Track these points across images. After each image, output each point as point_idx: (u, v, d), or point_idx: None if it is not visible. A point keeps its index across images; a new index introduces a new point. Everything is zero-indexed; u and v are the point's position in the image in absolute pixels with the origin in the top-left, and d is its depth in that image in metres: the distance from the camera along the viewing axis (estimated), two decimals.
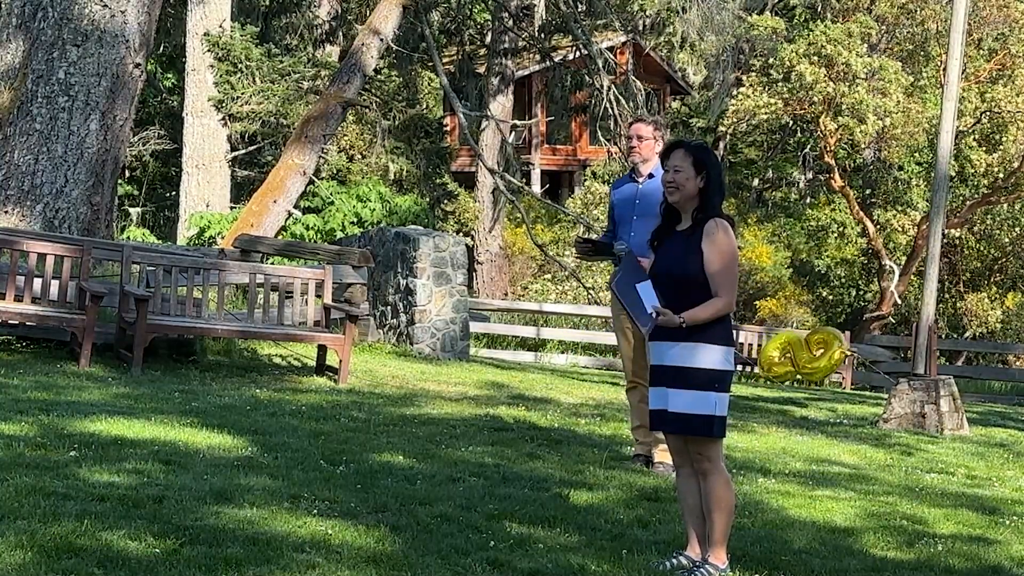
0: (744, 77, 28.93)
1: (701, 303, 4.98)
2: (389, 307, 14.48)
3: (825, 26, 26.77)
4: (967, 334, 28.15)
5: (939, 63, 25.99)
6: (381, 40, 20.34)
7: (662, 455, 7.46)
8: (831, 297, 31.91)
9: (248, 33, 24.14)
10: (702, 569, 4.99)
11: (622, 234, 7.53)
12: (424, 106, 29.37)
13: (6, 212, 12.89)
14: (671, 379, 5.04)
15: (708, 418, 4.99)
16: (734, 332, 5.07)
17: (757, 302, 28.98)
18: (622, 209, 7.60)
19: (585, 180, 31.07)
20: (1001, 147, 26.32)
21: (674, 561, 5.13)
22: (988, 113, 26.25)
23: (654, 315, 5.02)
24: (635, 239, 7.43)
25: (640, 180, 7.57)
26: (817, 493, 7.04)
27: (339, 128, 22.25)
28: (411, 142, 25.60)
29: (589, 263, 22.02)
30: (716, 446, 5.07)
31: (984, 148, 27.00)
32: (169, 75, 30.65)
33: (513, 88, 29.78)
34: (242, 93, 23.24)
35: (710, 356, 5.00)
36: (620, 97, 22.79)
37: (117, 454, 6.46)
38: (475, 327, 16.99)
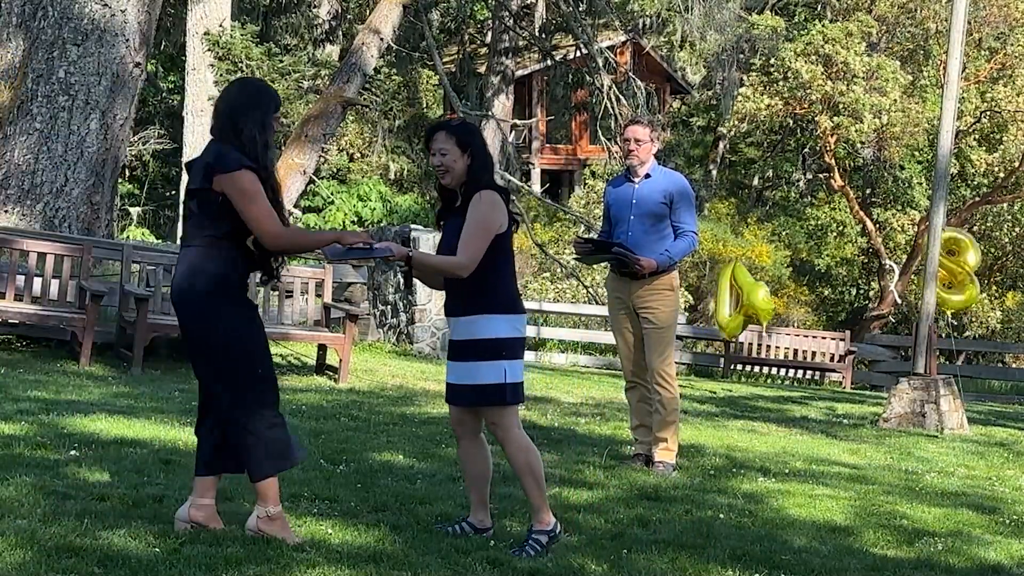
0: (745, 77, 28.94)
1: (477, 283, 5.04)
2: (389, 306, 14.48)
3: (823, 25, 26.78)
4: (967, 334, 28.14)
5: (939, 62, 26.00)
6: (381, 39, 20.35)
7: (662, 454, 7.47)
8: (831, 296, 31.92)
9: (248, 32, 24.14)
10: (529, 543, 5.06)
11: (619, 234, 7.54)
12: (424, 105, 29.39)
13: (6, 211, 12.89)
14: (460, 352, 5.12)
15: (500, 386, 5.07)
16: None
17: None
18: (618, 209, 7.61)
19: (585, 179, 31.08)
20: (1001, 147, 26.32)
21: (457, 528, 5.26)
22: (988, 113, 26.25)
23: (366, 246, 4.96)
24: (632, 239, 7.46)
25: (636, 181, 7.57)
26: (817, 492, 7.04)
27: (339, 127, 22.26)
28: (411, 141, 25.62)
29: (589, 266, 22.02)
30: (509, 413, 5.14)
31: (984, 148, 27.01)
32: (169, 74, 30.65)
33: (513, 87, 29.79)
34: None
35: (493, 325, 5.07)
36: (620, 96, 22.79)
37: (117, 453, 6.46)
38: None
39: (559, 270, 24.15)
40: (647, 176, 7.54)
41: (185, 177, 24.82)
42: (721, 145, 36.59)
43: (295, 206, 20.85)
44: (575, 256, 8.33)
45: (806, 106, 26.16)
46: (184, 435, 7.19)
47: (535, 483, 5.12)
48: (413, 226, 15.80)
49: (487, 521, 5.32)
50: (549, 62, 28.12)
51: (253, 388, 4.89)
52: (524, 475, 5.12)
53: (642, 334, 7.54)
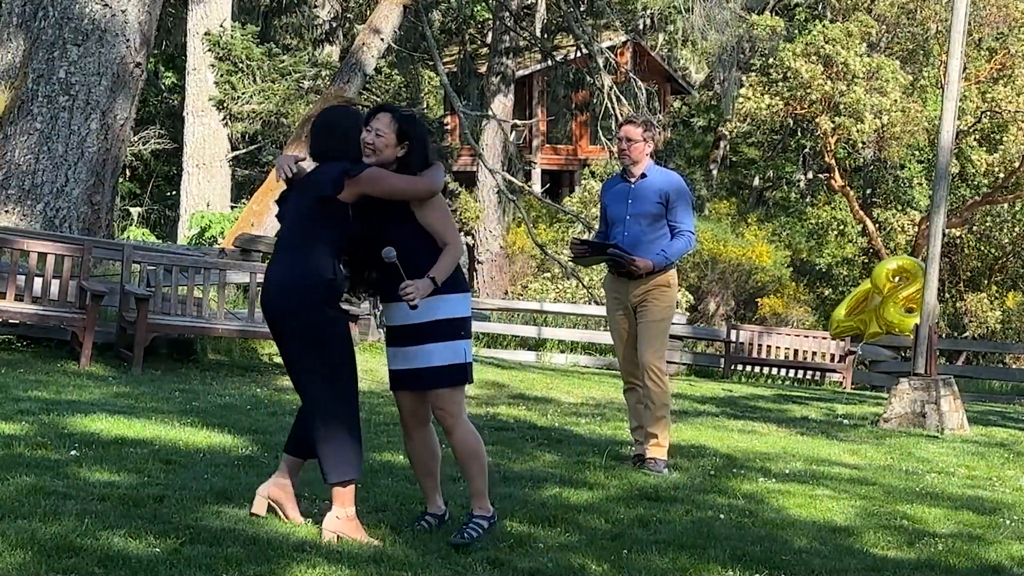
0: (744, 77, 28.96)
1: (432, 264, 5.04)
2: None
3: (823, 25, 26.80)
4: (967, 334, 28.14)
5: (940, 62, 26.01)
6: (382, 39, 20.33)
7: (653, 450, 7.45)
8: (832, 296, 31.93)
9: (249, 32, 24.14)
10: (471, 526, 5.09)
11: (615, 234, 7.53)
12: (425, 105, 29.38)
13: (6, 211, 12.90)
14: (415, 336, 5.10)
15: (462, 366, 5.10)
16: (734, 329, 5.06)
17: (758, 300, 28.99)
18: (615, 209, 7.59)
19: (584, 179, 31.09)
20: (1001, 147, 26.33)
21: (424, 523, 5.29)
22: (988, 113, 26.26)
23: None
24: (628, 239, 7.44)
25: (632, 180, 7.55)
26: (817, 493, 7.03)
27: None
28: None
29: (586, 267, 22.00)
30: (460, 398, 5.16)
31: (985, 148, 27.02)
32: (170, 74, 30.66)
33: (514, 87, 29.78)
34: (243, 93, 23.23)
35: (451, 305, 5.09)
36: (621, 96, 22.78)
37: (117, 453, 6.46)
38: (475, 326, 16.98)
39: (559, 270, 24.14)
40: (643, 176, 7.52)
41: (186, 176, 24.54)
42: (722, 145, 36.61)
43: None
44: (571, 258, 8.32)
45: (806, 106, 26.17)
46: (184, 435, 7.19)
47: (481, 469, 5.19)
48: None
49: (442, 506, 5.37)
50: (550, 62, 28.11)
51: (347, 389, 5.08)
52: (472, 461, 5.17)
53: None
